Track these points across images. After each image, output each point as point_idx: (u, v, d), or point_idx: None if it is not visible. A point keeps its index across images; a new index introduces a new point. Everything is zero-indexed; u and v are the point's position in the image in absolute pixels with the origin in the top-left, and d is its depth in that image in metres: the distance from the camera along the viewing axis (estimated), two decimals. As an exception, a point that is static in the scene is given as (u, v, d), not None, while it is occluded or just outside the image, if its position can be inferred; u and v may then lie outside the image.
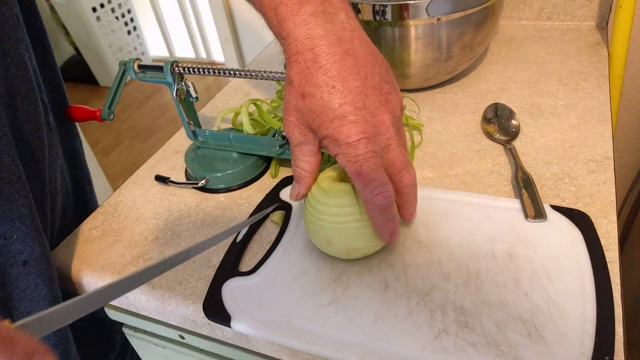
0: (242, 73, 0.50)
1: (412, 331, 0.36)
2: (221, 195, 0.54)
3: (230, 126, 0.62)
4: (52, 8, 2.52)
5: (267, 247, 0.45)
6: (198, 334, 0.46)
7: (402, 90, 0.39)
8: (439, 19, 0.57)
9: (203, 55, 2.77)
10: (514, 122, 0.56)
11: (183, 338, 0.49)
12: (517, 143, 0.54)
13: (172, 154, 0.63)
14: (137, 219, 0.53)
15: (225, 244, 0.47)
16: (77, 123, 0.62)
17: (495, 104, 0.60)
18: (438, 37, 0.59)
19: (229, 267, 0.43)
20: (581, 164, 0.50)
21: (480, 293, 0.38)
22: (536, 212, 0.43)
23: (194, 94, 0.53)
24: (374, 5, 0.58)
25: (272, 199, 0.50)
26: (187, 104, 0.54)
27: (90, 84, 2.74)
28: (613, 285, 0.37)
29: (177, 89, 0.52)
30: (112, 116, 0.56)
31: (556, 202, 0.46)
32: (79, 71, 2.71)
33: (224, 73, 0.51)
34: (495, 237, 0.42)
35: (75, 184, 0.61)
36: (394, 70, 0.38)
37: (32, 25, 0.51)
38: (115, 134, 2.32)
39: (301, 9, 0.34)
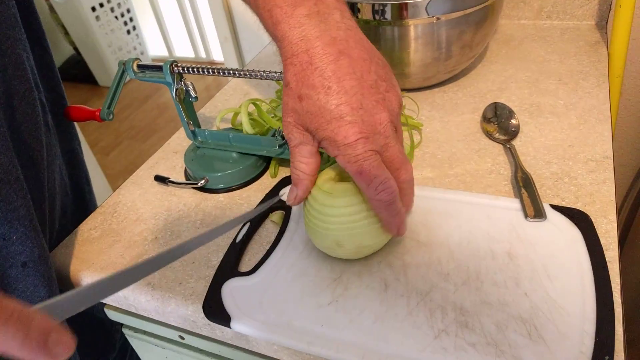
0: (242, 73, 0.50)
1: (412, 331, 0.36)
2: (221, 195, 0.54)
3: (230, 126, 0.62)
4: (51, 7, 2.52)
5: (267, 247, 0.45)
6: (198, 334, 0.46)
7: (401, 90, 0.39)
8: (438, 18, 0.57)
9: (202, 54, 2.77)
10: (513, 121, 0.56)
11: (183, 338, 0.49)
12: (516, 142, 0.54)
13: (172, 154, 0.63)
14: (137, 219, 0.53)
15: (225, 244, 0.47)
16: (76, 123, 0.62)
17: (495, 103, 0.60)
18: (437, 36, 0.59)
19: (229, 268, 0.43)
20: (581, 163, 0.50)
21: (480, 293, 0.38)
22: (536, 212, 0.43)
23: (193, 94, 0.53)
24: (373, 5, 0.58)
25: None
26: (187, 103, 0.54)
27: (90, 83, 2.74)
28: (613, 285, 0.37)
29: (176, 89, 0.52)
30: (111, 116, 0.56)
31: (556, 202, 0.45)
32: (78, 71, 2.71)
33: (223, 73, 0.51)
34: (494, 237, 0.42)
35: (74, 185, 0.61)
36: (393, 69, 0.38)
37: (30, 25, 0.51)
38: (114, 134, 2.32)
39: (295, 11, 0.34)
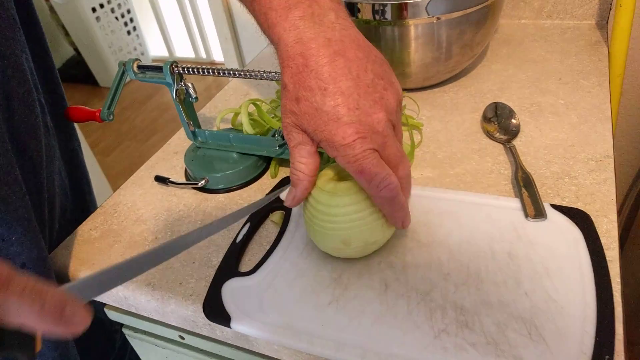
0: (242, 73, 0.50)
1: (412, 331, 0.36)
2: (221, 195, 0.54)
3: (230, 126, 0.62)
4: (51, 8, 2.52)
5: (267, 248, 0.45)
6: (198, 334, 0.46)
7: (402, 90, 0.39)
8: (438, 18, 0.57)
9: (203, 55, 2.77)
10: (514, 121, 0.56)
11: (183, 338, 0.49)
12: (517, 142, 0.54)
13: (172, 154, 0.63)
14: (137, 220, 0.53)
15: (225, 244, 0.47)
16: (76, 124, 0.62)
17: (495, 103, 0.60)
18: (438, 36, 0.59)
19: (229, 268, 0.43)
20: (581, 162, 0.50)
21: (480, 292, 0.38)
22: (536, 212, 0.43)
23: (193, 94, 0.53)
24: (373, 5, 0.58)
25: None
26: (187, 104, 0.54)
27: (90, 84, 2.74)
28: (613, 285, 0.37)
29: (176, 89, 0.52)
30: (111, 117, 0.56)
31: (556, 201, 0.45)
32: (79, 71, 2.71)
33: (224, 73, 0.51)
34: (495, 237, 0.42)
35: (74, 186, 0.61)
36: (393, 69, 0.38)
37: (30, 26, 0.51)
38: (115, 134, 2.32)
39: (290, 14, 0.34)
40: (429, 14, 0.57)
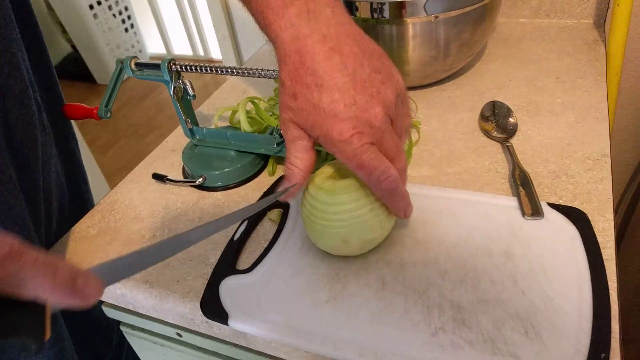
0: (240, 71, 0.50)
1: (409, 328, 0.36)
2: (219, 193, 0.54)
3: (228, 124, 0.62)
4: (48, 5, 2.51)
5: (265, 245, 0.45)
6: (195, 332, 0.46)
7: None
8: (436, 17, 0.57)
9: (201, 52, 2.76)
10: (511, 119, 0.56)
11: (180, 336, 0.49)
12: (514, 141, 0.54)
13: (170, 152, 0.63)
14: (135, 217, 0.53)
15: (223, 242, 0.47)
16: (73, 122, 0.61)
17: (493, 101, 0.60)
18: (436, 34, 0.59)
19: (227, 265, 0.43)
20: (578, 161, 0.50)
21: (477, 291, 0.38)
22: (533, 210, 0.43)
23: (191, 92, 0.53)
24: (371, 3, 0.58)
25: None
26: (185, 102, 0.54)
27: (88, 81, 2.73)
28: (609, 283, 0.37)
29: (174, 87, 0.52)
30: (109, 114, 0.56)
31: (553, 200, 0.46)
32: (76, 69, 2.70)
33: (222, 71, 0.51)
34: (492, 235, 0.42)
35: (71, 184, 0.61)
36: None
37: (26, 24, 0.51)
38: (112, 132, 2.32)
39: (286, 12, 0.34)
40: (427, 13, 0.57)
